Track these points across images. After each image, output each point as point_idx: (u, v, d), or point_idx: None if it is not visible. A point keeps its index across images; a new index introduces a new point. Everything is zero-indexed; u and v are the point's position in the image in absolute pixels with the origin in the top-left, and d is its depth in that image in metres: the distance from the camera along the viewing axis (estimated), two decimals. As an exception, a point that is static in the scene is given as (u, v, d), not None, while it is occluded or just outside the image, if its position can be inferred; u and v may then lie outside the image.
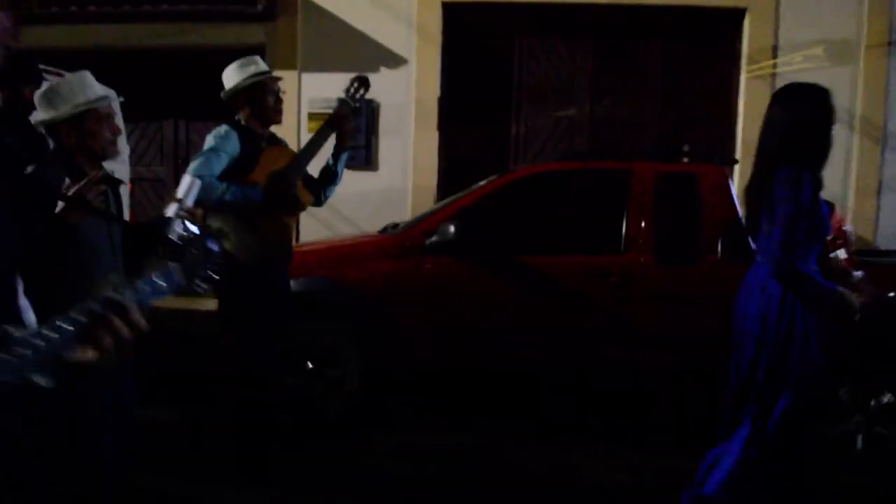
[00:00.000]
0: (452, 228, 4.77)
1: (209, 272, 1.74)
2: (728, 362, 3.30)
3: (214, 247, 1.80)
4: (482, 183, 5.33)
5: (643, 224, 4.93)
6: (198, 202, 3.29)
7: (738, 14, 7.75)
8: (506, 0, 7.90)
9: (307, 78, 8.05)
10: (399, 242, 5.07)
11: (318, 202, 4.38)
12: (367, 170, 8.03)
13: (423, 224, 5.10)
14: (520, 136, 8.14)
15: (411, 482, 4.31)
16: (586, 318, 4.92)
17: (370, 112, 7.91)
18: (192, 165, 3.78)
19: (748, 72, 7.77)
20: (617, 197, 5.04)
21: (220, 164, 3.85)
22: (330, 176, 4.36)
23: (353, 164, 7.93)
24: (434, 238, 4.88)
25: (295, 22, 8.03)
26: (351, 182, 7.86)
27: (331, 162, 4.34)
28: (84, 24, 7.99)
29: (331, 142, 4.24)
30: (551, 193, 5.23)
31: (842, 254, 4.48)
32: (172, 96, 8.36)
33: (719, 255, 4.90)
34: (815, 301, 3.02)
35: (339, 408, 5.03)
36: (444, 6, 7.84)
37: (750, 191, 3.27)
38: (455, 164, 7.95)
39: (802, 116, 3.11)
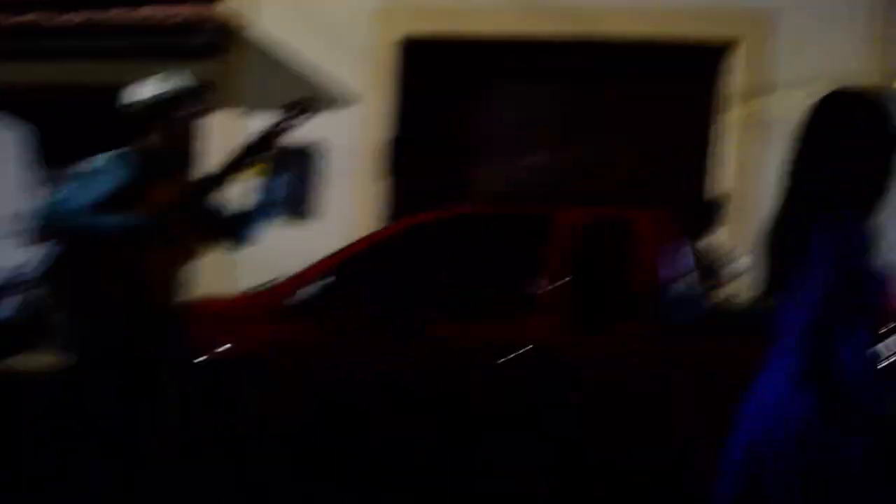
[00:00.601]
0: (314, 289, 3.98)
1: None
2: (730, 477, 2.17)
3: None
4: (366, 234, 4.54)
5: (550, 284, 4.08)
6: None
7: (723, 50, 6.95)
8: (467, 38, 7.20)
9: (251, 117, 7.43)
10: (263, 303, 4.29)
11: (234, 246, 3.52)
12: (309, 220, 7.34)
13: (290, 282, 4.30)
14: (478, 185, 7.34)
15: None
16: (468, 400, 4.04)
17: (313, 156, 7.23)
18: (59, 194, 3.16)
19: (734, 113, 6.92)
20: (527, 250, 4.22)
21: (96, 191, 3.20)
22: (246, 214, 3.44)
23: (293, 213, 7.30)
24: (294, 299, 4.09)
25: (238, 57, 7.49)
26: (290, 232, 7.25)
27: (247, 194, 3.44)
28: (14, 62, 7.55)
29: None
30: (442, 244, 4.39)
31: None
32: (106, 137, 7.82)
33: (640, 321, 4.01)
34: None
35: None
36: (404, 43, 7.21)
37: (771, 242, 2.23)
38: (406, 215, 7.20)
39: (854, 138, 2.09)
